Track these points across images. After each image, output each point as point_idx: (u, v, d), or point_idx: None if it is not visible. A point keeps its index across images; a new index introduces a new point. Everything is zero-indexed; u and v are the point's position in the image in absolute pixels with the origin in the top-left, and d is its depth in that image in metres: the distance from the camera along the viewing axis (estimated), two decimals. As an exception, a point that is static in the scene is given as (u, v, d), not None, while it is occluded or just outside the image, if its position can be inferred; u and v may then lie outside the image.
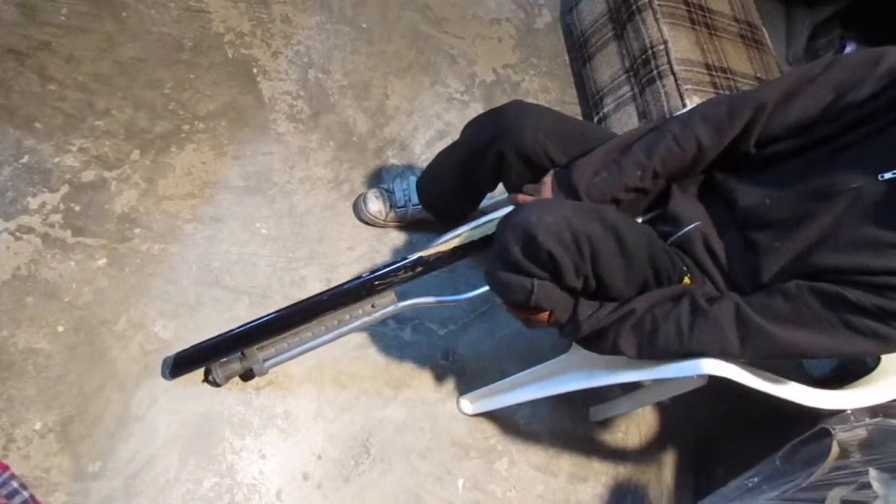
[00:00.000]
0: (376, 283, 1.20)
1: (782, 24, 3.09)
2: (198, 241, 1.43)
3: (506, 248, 1.00)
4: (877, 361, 1.23)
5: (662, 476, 1.73)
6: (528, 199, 1.17)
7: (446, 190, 1.48)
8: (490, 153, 1.27)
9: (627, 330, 1.04)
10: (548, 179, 1.16)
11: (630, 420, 1.72)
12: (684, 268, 1.10)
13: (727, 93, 1.81)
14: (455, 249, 1.20)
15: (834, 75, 1.01)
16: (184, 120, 1.53)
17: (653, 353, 1.03)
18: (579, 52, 2.17)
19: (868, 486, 1.05)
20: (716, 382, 1.14)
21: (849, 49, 2.11)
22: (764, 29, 2.15)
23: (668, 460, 1.76)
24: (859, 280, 0.92)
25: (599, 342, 1.07)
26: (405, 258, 1.20)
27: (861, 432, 1.11)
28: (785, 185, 1.05)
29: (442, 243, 1.22)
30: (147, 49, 1.58)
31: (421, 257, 1.19)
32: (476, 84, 1.97)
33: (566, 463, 1.61)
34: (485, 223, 1.22)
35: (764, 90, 1.06)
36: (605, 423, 1.70)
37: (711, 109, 1.10)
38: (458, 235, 1.22)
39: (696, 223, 1.13)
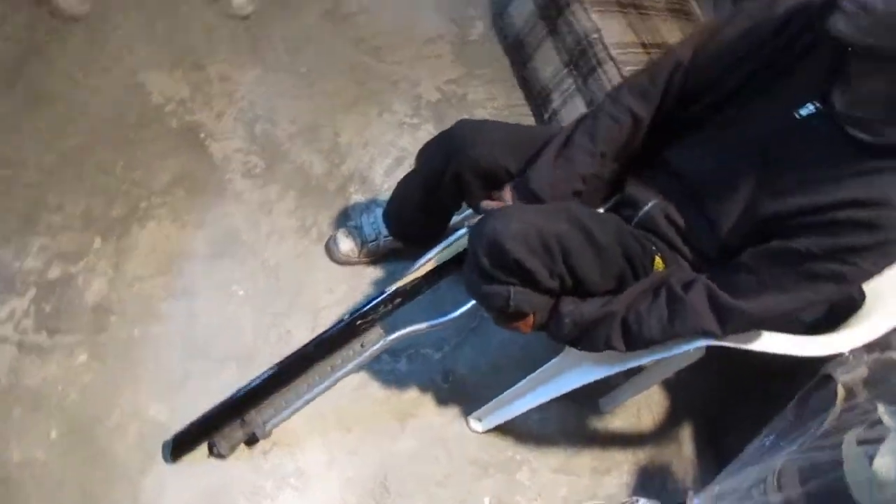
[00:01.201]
0: (359, 323, 1.19)
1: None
2: (176, 316, 1.41)
3: (477, 260, 1.01)
4: (863, 295, 1.25)
5: (682, 451, 1.73)
6: (493, 204, 1.17)
7: (413, 217, 1.48)
8: (447, 176, 1.28)
9: (616, 329, 1.05)
10: (507, 192, 1.16)
11: (639, 404, 1.72)
12: (653, 248, 1.12)
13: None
14: (431, 273, 1.20)
15: (737, 24, 1.04)
16: (139, 198, 1.52)
17: (643, 346, 1.04)
18: (517, 54, 2.19)
19: (879, 421, 1.06)
20: (715, 350, 1.15)
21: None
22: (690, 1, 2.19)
23: (685, 435, 1.76)
24: (806, 222, 0.93)
25: (590, 342, 1.07)
26: (383, 292, 1.20)
27: (862, 371, 1.12)
28: (714, 145, 1.07)
29: (416, 269, 1.22)
30: (90, 135, 1.57)
31: (398, 288, 1.19)
32: (423, 105, 1.98)
33: (586, 459, 1.61)
34: (454, 241, 1.22)
35: (677, 49, 1.09)
36: (616, 412, 1.70)
37: (635, 79, 1.13)
38: (430, 259, 1.22)
39: (654, 201, 1.15)
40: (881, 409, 1.06)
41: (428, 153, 1.35)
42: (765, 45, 1.00)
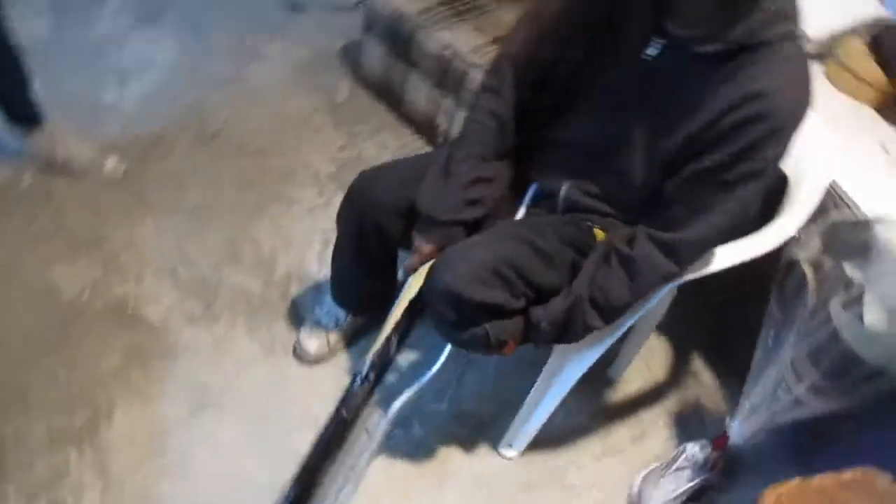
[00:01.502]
0: (344, 414, 1.17)
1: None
2: (179, 492, 1.36)
3: (442, 316, 1.01)
4: (784, 177, 1.30)
5: (703, 382, 1.76)
6: (415, 262, 1.17)
7: (359, 286, 1.47)
8: (367, 232, 1.28)
9: (588, 310, 1.06)
10: (416, 240, 1.17)
11: (645, 358, 1.75)
12: (588, 224, 1.14)
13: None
14: (392, 333, 1.20)
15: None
16: (95, 395, 1.47)
17: (619, 314, 1.06)
18: (389, 97, 2.22)
19: (852, 281, 1.10)
20: (687, 287, 1.18)
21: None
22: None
23: (698, 367, 1.79)
24: (704, 141, 0.96)
25: (571, 333, 1.08)
26: (356, 374, 1.18)
27: (816, 242, 1.16)
28: (592, 110, 1.10)
29: (379, 338, 1.21)
30: (14, 357, 1.50)
31: (371, 363, 1.18)
32: (324, 181, 1.99)
33: (621, 432, 1.62)
34: (404, 294, 1.22)
35: (507, 45, 1.13)
36: (627, 376, 1.72)
37: (487, 81, 1.16)
38: (387, 322, 1.22)
39: (566, 184, 1.17)
40: (847, 270, 1.10)
41: (342, 219, 1.35)
42: (590, 9, 1.03)
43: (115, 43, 2.21)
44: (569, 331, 1.08)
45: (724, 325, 1.79)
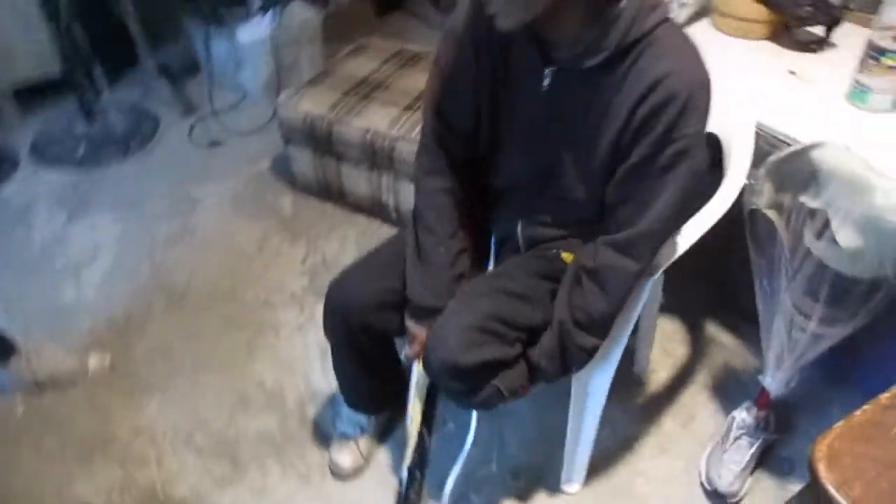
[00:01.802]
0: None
1: (409, 20, 3.40)
2: None
3: (451, 389, 1.02)
4: (716, 138, 1.33)
5: (726, 345, 1.78)
6: (416, 349, 1.18)
7: (369, 388, 1.47)
8: (359, 337, 1.29)
9: (577, 333, 1.07)
10: (410, 326, 1.18)
11: (662, 344, 1.76)
12: (554, 251, 1.16)
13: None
14: (421, 427, 1.20)
15: (443, 54, 1.10)
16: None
17: (606, 325, 1.08)
18: (331, 194, 2.26)
19: (814, 210, 1.12)
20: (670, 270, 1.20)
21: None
22: (406, 46, 2.35)
23: (715, 332, 1.81)
24: (626, 141, 0.98)
25: (573, 362, 1.09)
26: (400, 480, 1.18)
27: (768, 186, 1.19)
28: (519, 149, 1.13)
29: (410, 436, 1.22)
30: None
31: (411, 463, 1.18)
32: (301, 296, 2.00)
33: (668, 423, 1.62)
34: (416, 383, 1.23)
35: (425, 103, 1.16)
36: (652, 367, 1.72)
37: (420, 160, 1.19)
38: (411, 417, 1.22)
39: (519, 224, 1.20)
40: (805, 200, 1.13)
41: (328, 331, 1.36)
42: (478, 62, 1.06)
43: (58, 243, 2.22)
44: (569, 361, 1.09)
45: (721, 280, 1.81)
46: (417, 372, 1.23)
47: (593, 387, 1.29)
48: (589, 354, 1.10)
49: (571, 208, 1.14)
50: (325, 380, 1.77)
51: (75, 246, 2.20)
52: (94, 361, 1.82)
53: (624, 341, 1.22)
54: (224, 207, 2.34)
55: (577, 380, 1.28)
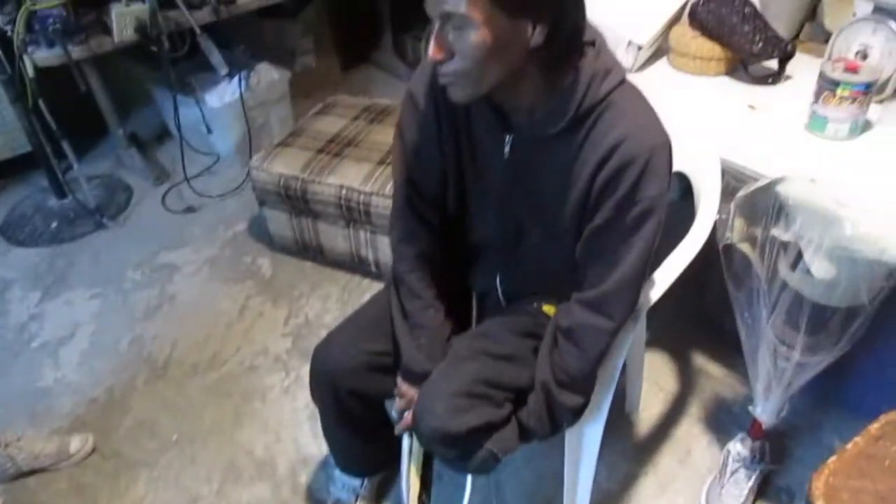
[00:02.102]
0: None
1: (376, 73, 3.46)
2: None
3: (445, 456, 1.01)
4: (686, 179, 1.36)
5: (713, 375, 1.78)
6: (408, 417, 1.17)
7: (360, 451, 1.44)
8: (347, 402, 1.27)
9: (561, 394, 1.07)
10: (402, 387, 1.18)
11: (651, 381, 1.76)
12: (535, 304, 1.17)
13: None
14: (421, 495, 1.19)
15: (405, 118, 1.11)
16: None
17: (588, 383, 1.08)
18: (310, 252, 2.26)
19: (787, 243, 1.15)
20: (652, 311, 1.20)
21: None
22: (375, 101, 2.39)
23: (703, 364, 1.81)
24: (591, 205, 0.98)
25: (562, 419, 1.09)
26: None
27: (741, 221, 1.21)
28: (487, 208, 1.13)
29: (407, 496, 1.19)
30: None
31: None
32: (285, 359, 1.98)
33: (666, 461, 1.61)
34: (408, 448, 1.21)
35: (393, 169, 1.17)
36: (644, 404, 1.72)
37: (396, 228, 1.19)
38: (410, 488, 1.21)
39: (497, 278, 1.21)
40: (777, 233, 1.15)
41: (315, 397, 1.34)
42: (440, 124, 1.07)
43: (35, 322, 2.18)
44: (556, 419, 1.09)
45: (703, 310, 1.82)
46: (409, 440, 1.22)
47: (586, 437, 1.28)
48: (576, 413, 1.10)
49: (545, 265, 1.14)
50: (315, 443, 1.74)
51: (52, 324, 2.16)
52: (75, 444, 1.77)
53: (612, 390, 1.21)
54: (202, 273, 2.32)
55: (569, 432, 1.27)
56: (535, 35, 0.86)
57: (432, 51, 0.88)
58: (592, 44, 0.95)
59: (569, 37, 0.90)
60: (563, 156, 0.98)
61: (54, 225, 2.49)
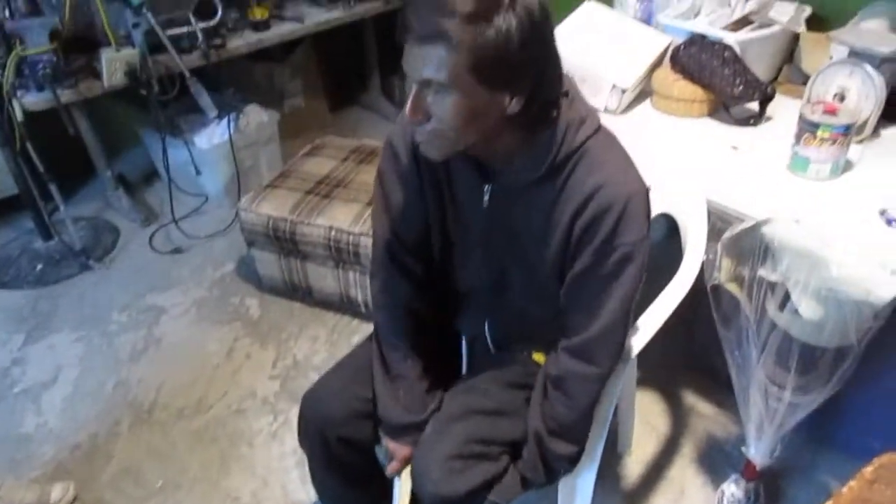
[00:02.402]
0: None
1: (364, 114, 3.50)
2: None
3: None
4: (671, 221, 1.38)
5: (704, 414, 1.77)
6: (395, 465, 1.16)
7: (353, 498, 1.41)
8: (336, 449, 1.25)
9: (552, 442, 1.07)
10: (388, 444, 1.17)
11: (642, 419, 1.74)
12: (525, 353, 1.18)
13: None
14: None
15: (386, 167, 1.11)
16: None
17: (580, 431, 1.08)
18: (298, 293, 2.25)
19: (774, 283, 1.16)
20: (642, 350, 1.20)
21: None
22: (364, 142, 2.41)
23: (693, 403, 1.80)
24: (571, 253, 0.99)
25: (558, 468, 1.09)
26: None
27: (728, 261, 1.22)
28: (472, 256, 1.13)
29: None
30: None
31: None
32: (273, 401, 1.95)
33: (659, 501, 1.60)
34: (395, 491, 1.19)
35: (373, 218, 1.15)
36: (637, 443, 1.71)
37: (377, 277, 1.18)
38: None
39: (486, 324, 1.21)
40: (764, 273, 1.16)
41: (304, 445, 1.31)
42: (420, 173, 1.07)
43: (17, 366, 2.14)
44: (551, 467, 1.08)
45: (693, 348, 1.82)
46: (401, 490, 1.20)
47: (580, 482, 1.27)
48: (571, 461, 1.09)
49: (531, 311, 1.14)
50: (304, 489, 1.70)
51: (35, 369, 2.12)
52: (56, 494, 1.73)
53: (604, 436, 1.20)
54: (189, 315, 2.29)
55: (561, 485, 1.26)
56: (512, 104, 0.87)
57: (409, 112, 0.88)
58: (566, 94, 0.95)
59: (545, 102, 0.92)
60: (540, 205, 0.98)
61: (39, 267, 2.46)
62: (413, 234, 1.12)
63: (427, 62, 0.82)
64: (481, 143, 0.93)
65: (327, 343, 2.13)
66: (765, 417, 1.28)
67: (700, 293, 1.26)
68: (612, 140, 0.99)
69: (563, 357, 1.04)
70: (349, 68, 3.44)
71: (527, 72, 0.85)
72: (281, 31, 2.68)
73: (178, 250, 2.57)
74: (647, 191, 0.97)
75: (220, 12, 2.43)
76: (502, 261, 1.09)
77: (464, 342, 1.29)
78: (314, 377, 1.99)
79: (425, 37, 0.81)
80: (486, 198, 1.02)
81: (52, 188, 2.33)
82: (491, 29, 0.79)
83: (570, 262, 0.99)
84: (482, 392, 1.09)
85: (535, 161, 0.95)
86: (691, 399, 1.82)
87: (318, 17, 2.78)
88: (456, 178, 1.05)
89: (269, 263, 2.22)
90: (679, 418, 1.78)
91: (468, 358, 1.28)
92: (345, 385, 1.23)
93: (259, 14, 2.61)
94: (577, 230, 0.95)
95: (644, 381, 1.82)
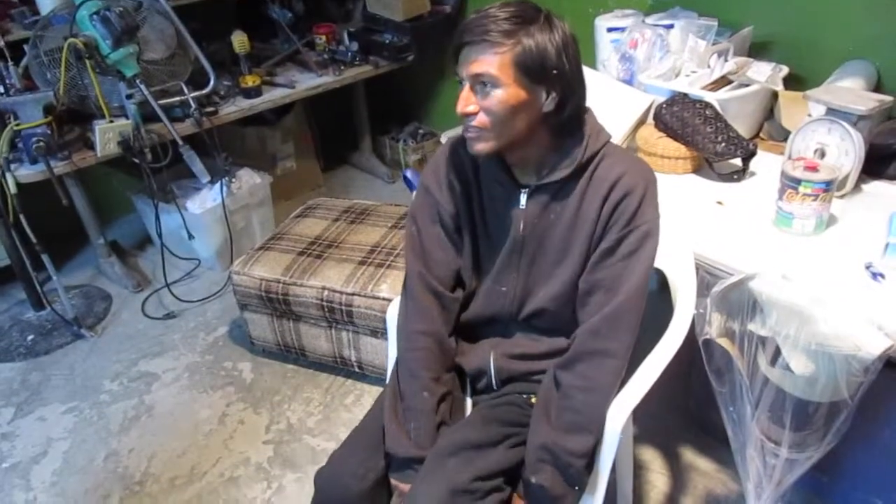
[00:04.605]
0: None
1: (355, 173, 3.54)
2: None
3: None
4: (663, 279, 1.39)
5: (703, 471, 1.75)
6: None
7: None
8: None
9: (568, 440, 1.08)
10: (397, 483, 1.15)
11: (643, 476, 1.71)
12: (525, 396, 1.22)
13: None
14: None
15: (420, 205, 1.23)
16: None
17: (598, 415, 1.10)
18: (291, 355, 2.24)
19: (764, 337, 1.16)
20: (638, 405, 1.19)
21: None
22: (357, 201, 2.44)
23: (692, 458, 1.78)
24: (598, 237, 1.11)
25: (569, 477, 1.09)
26: None
27: (718, 316, 1.23)
28: (496, 279, 1.21)
29: None
30: None
31: None
32: (268, 468, 1.91)
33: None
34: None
35: (407, 253, 1.25)
36: (637, 501, 1.67)
37: (406, 305, 1.24)
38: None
39: (491, 357, 1.24)
40: (754, 328, 1.17)
41: None
42: (455, 201, 1.20)
43: (7, 441, 2.10)
44: (567, 473, 1.08)
45: (690, 404, 1.81)
46: None
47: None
48: (586, 457, 1.09)
49: (541, 340, 1.21)
50: (299, 562, 1.66)
51: (24, 443, 2.08)
52: (44, 574, 1.67)
53: (606, 474, 1.17)
54: (182, 381, 2.27)
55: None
56: (548, 102, 1.05)
57: (462, 105, 1.04)
58: (587, 109, 1.15)
59: (574, 109, 1.09)
60: (569, 200, 1.12)
61: (31, 338, 2.45)
62: (443, 267, 1.21)
63: (480, 60, 1.00)
64: (519, 145, 1.09)
65: (321, 405, 2.10)
66: (763, 475, 1.26)
67: (695, 348, 1.26)
68: (621, 146, 1.12)
69: (580, 338, 1.11)
70: (340, 129, 3.50)
71: (561, 75, 1.03)
72: (272, 96, 2.74)
73: (170, 315, 2.56)
74: (656, 179, 1.14)
75: (212, 81, 2.49)
76: (529, 268, 1.18)
77: (468, 381, 1.30)
78: (308, 441, 1.97)
79: (480, 41, 1.00)
80: (524, 198, 1.15)
81: (45, 259, 2.33)
82: (531, 38, 0.99)
83: (594, 248, 1.11)
84: (479, 430, 1.11)
85: (566, 161, 1.11)
86: (690, 456, 1.79)
87: (308, 83, 2.85)
88: (491, 189, 1.18)
89: (261, 326, 2.21)
90: (678, 475, 1.75)
91: (472, 396, 1.30)
92: (362, 459, 1.19)
93: (251, 81, 2.68)
94: (605, 213, 1.09)
95: (642, 438, 1.80)
